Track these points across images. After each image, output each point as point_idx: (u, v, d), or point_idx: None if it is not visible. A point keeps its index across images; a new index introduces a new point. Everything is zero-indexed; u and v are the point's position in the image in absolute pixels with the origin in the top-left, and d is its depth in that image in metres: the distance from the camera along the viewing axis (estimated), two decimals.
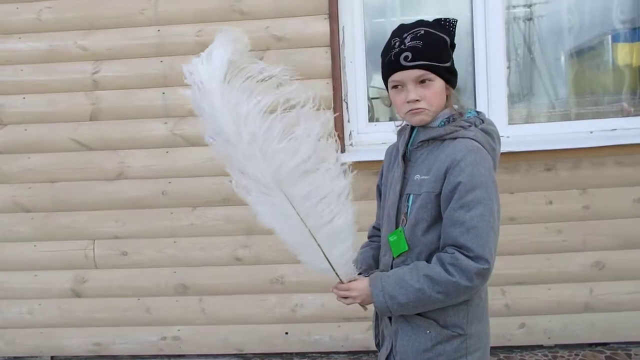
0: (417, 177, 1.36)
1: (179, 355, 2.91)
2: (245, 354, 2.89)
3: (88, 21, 2.80)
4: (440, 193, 1.30)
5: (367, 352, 2.83)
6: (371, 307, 1.40)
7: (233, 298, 2.86)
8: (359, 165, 2.69)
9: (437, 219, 1.32)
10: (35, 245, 2.90)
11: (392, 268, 1.39)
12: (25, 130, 2.86)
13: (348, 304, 1.43)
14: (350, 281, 1.40)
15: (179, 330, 2.89)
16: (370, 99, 2.86)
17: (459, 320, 1.34)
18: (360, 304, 1.41)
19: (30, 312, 2.95)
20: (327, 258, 1.35)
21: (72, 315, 2.93)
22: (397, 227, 1.39)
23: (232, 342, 2.88)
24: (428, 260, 1.32)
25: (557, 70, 2.90)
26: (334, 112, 2.76)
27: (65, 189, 2.87)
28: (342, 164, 1.33)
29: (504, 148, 2.67)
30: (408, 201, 1.37)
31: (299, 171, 1.28)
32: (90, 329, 2.93)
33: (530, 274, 2.74)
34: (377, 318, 1.52)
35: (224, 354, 2.89)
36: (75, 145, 2.85)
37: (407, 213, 1.37)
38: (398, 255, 1.38)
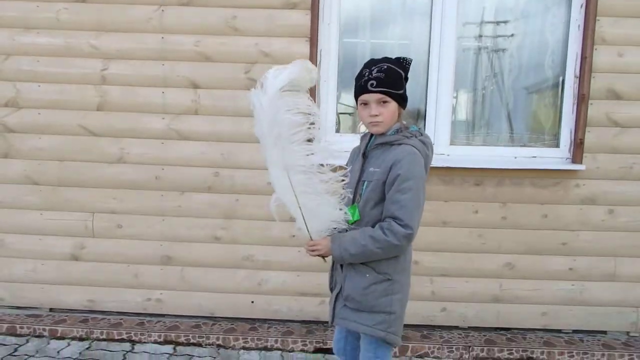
0: (372, 169, 1.92)
1: (160, 315, 3.41)
2: (216, 317, 3.40)
3: (101, 24, 3.19)
4: (385, 181, 1.86)
5: (317, 322, 3.36)
6: (329, 261, 2.00)
7: (209, 270, 3.36)
8: None
9: (381, 200, 1.88)
10: (41, 214, 3.32)
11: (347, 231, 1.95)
12: (39, 114, 3.25)
13: (314, 256, 1.99)
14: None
15: (161, 293, 3.38)
16: (338, 114, 3.38)
17: (389, 270, 1.92)
18: (322, 255, 1.97)
19: (34, 270, 3.38)
20: (305, 223, 1.92)
21: (70, 275, 3.38)
22: (353, 203, 1.95)
23: (205, 306, 3.40)
24: (373, 227, 1.88)
25: (496, 103, 3.46)
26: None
27: (71, 168, 3.29)
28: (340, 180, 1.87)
29: (443, 164, 3.29)
30: (363, 185, 1.93)
31: (304, 169, 1.81)
32: (84, 287, 3.38)
33: (454, 268, 3.32)
34: (333, 269, 2.09)
35: (198, 315, 3.40)
36: (82, 131, 3.27)
37: (361, 194, 1.93)
38: (353, 223, 1.94)
